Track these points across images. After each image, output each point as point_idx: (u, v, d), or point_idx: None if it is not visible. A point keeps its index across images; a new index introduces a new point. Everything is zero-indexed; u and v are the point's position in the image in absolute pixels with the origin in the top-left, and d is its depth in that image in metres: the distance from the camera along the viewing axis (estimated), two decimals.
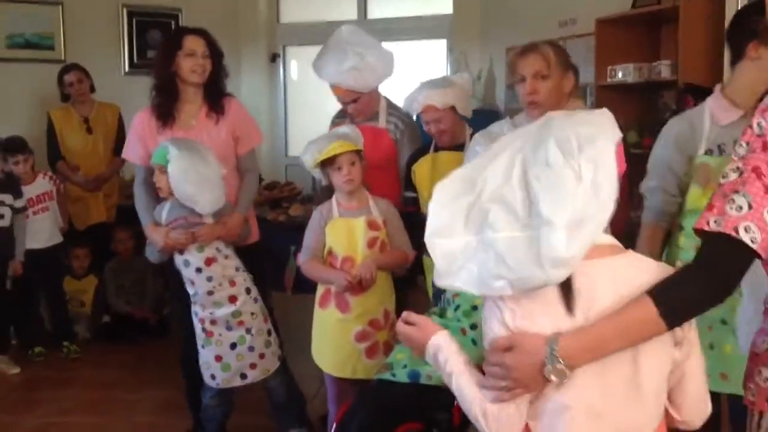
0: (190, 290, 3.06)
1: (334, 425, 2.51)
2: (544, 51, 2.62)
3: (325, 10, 6.57)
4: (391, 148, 3.41)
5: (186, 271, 3.05)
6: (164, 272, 4.30)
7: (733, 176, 1.39)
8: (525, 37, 3.36)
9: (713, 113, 2.35)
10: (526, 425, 1.45)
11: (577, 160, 1.34)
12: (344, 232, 2.91)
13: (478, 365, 1.49)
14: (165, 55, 3.22)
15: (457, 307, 2.38)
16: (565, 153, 1.34)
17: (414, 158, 3.28)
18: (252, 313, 3.09)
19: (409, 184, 3.29)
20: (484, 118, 4.34)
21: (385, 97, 3.52)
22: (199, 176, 2.95)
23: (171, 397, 3.84)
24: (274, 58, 6.77)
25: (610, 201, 1.34)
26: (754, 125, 1.40)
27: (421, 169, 3.22)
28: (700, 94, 3.43)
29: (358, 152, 2.93)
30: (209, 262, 3.03)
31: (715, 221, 1.36)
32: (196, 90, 3.25)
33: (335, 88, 3.39)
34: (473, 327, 2.24)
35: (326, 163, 2.90)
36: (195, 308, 3.07)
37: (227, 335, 3.04)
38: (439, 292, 2.63)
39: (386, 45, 3.53)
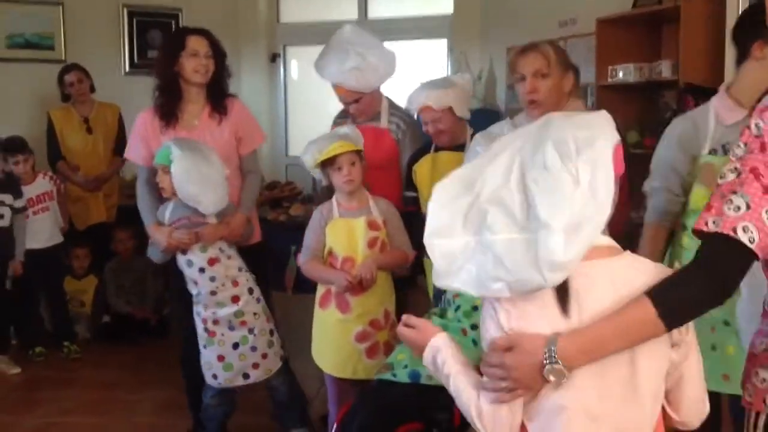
0: (193, 290, 3.06)
1: (335, 425, 2.52)
2: (544, 50, 2.62)
3: (326, 9, 6.57)
4: (393, 148, 3.41)
5: (189, 271, 3.05)
6: (164, 272, 4.31)
7: (731, 177, 1.39)
8: (525, 37, 3.35)
9: (718, 113, 2.35)
10: (523, 425, 1.44)
11: (574, 163, 1.34)
12: (344, 233, 2.91)
13: (477, 366, 1.49)
14: (168, 55, 3.22)
15: (458, 308, 2.38)
16: (563, 156, 1.34)
17: (415, 158, 3.28)
18: (254, 313, 3.10)
19: (410, 184, 3.29)
20: (484, 118, 4.34)
21: (387, 97, 3.52)
22: (202, 176, 2.96)
23: (171, 398, 3.84)
24: (274, 58, 6.77)
25: (607, 204, 1.34)
26: (752, 126, 1.40)
27: (421, 168, 3.22)
28: (701, 94, 3.44)
29: (358, 152, 2.93)
30: (212, 262, 3.03)
31: (714, 222, 1.36)
32: (199, 90, 3.25)
33: (337, 88, 3.39)
34: (474, 327, 2.24)
35: (326, 164, 2.90)
36: (197, 308, 3.07)
37: (230, 335, 3.05)
38: (440, 293, 2.63)
39: (386, 45, 3.53)
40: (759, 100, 1.50)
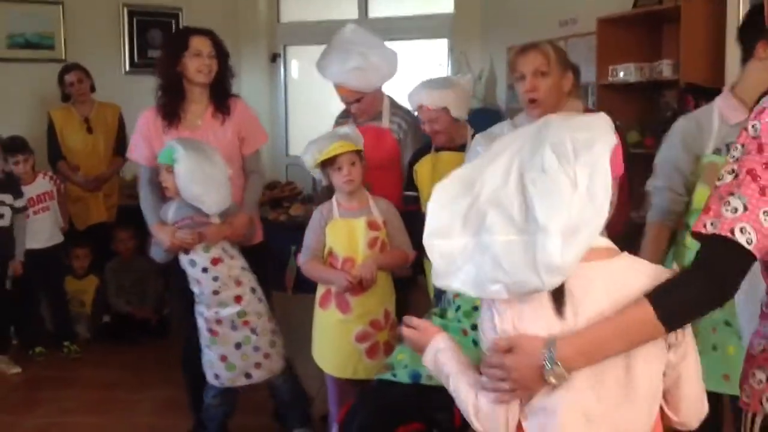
0: (196, 290, 3.06)
1: (336, 425, 2.52)
2: (544, 49, 2.62)
3: (326, 9, 6.57)
4: (394, 148, 3.40)
5: (192, 270, 3.05)
6: (165, 272, 4.31)
7: (729, 178, 1.39)
8: (526, 36, 3.36)
9: (722, 112, 2.36)
10: (519, 425, 1.44)
11: (572, 166, 1.34)
12: (344, 233, 2.91)
13: (477, 366, 1.49)
14: (171, 55, 3.22)
15: (458, 308, 2.38)
16: (561, 158, 1.34)
17: (416, 157, 3.28)
18: (257, 313, 3.10)
19: (411, 184, 3.28)
20: (484, 118, 4.34)
21: (389, 97, 3.51)
22: (205, 176, 2.96)
23: (172, 398, 3.84)
24: (274, 57, 6.77)
25: (605, 208, 1.34)
26: (749, 127, 1.40)
27: (422, 168, 3.22)
28: (702, 93, 3.44)
29: (358, 152, 2.93)
30: (215, 262, 3.03)
31: (712, 223, 1.36)
32: (202, 90, 3.25)
33: (339, 87, 3.39)
34: (474, 328, 2.24)
35: (326, 164, 2.90)
36: (200, 308, 3.07)
37: (232, 335, 3.05)
38: (441, 293, 2.63)
39: (387, 44, 3.53)
40: (758, 101, 1.49)
